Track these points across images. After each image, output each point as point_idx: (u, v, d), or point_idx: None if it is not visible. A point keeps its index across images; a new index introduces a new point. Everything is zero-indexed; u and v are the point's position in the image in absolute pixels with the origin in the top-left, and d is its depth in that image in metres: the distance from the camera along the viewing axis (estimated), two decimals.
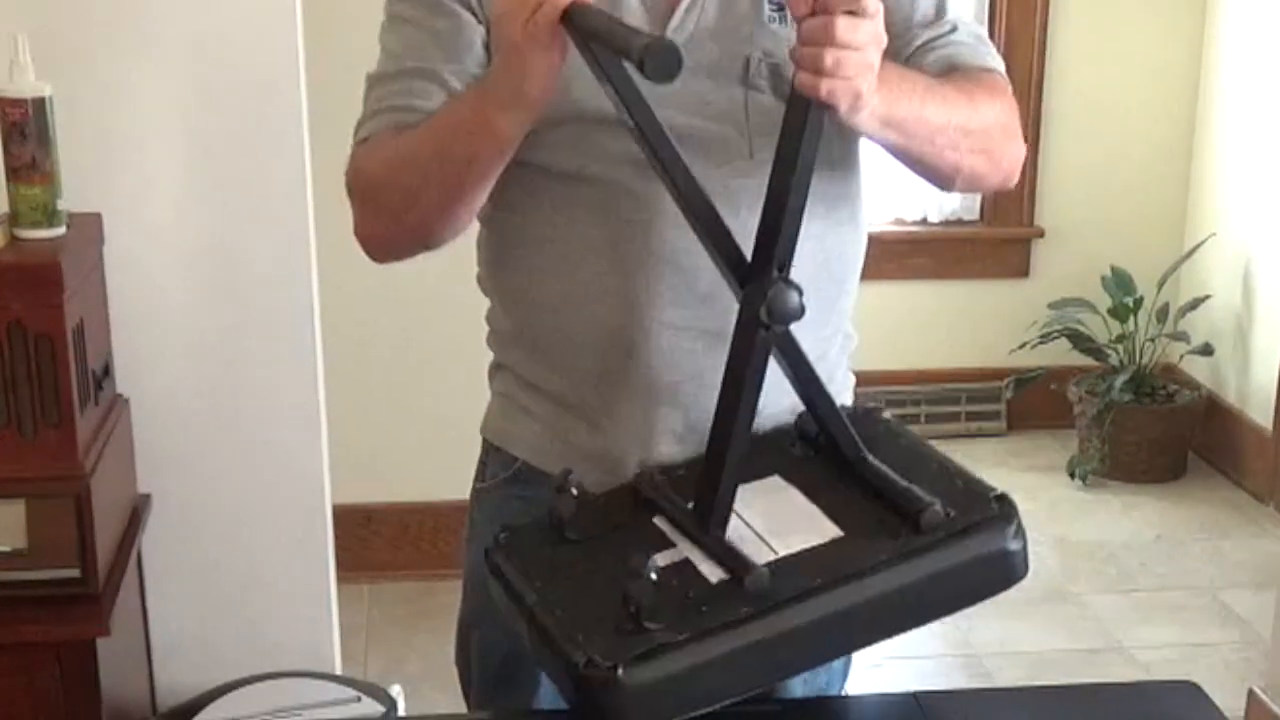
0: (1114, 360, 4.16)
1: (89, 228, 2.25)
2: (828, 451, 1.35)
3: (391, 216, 1.45)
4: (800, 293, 1.25)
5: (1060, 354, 4.23)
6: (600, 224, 1.41)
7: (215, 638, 2.50)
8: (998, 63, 1.49)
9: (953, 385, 4.41)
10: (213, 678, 2.44)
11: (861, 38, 1.22)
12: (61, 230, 2.13)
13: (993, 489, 1.29)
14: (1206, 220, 4.28)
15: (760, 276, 1.26)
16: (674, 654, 1.17)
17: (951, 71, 1.42)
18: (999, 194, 4.19)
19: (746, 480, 1.32)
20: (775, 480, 1.35)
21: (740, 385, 1.27)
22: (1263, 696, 2.80)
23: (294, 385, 2.45)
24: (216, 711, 2.38)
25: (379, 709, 2.41)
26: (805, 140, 1.25)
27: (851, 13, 1.21)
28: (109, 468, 2.19)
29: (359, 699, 2.43)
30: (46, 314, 2.03)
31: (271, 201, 2.37)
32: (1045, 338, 4.18)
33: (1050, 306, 4.23)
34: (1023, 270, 4.40)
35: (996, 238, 4.28)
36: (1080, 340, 4.15)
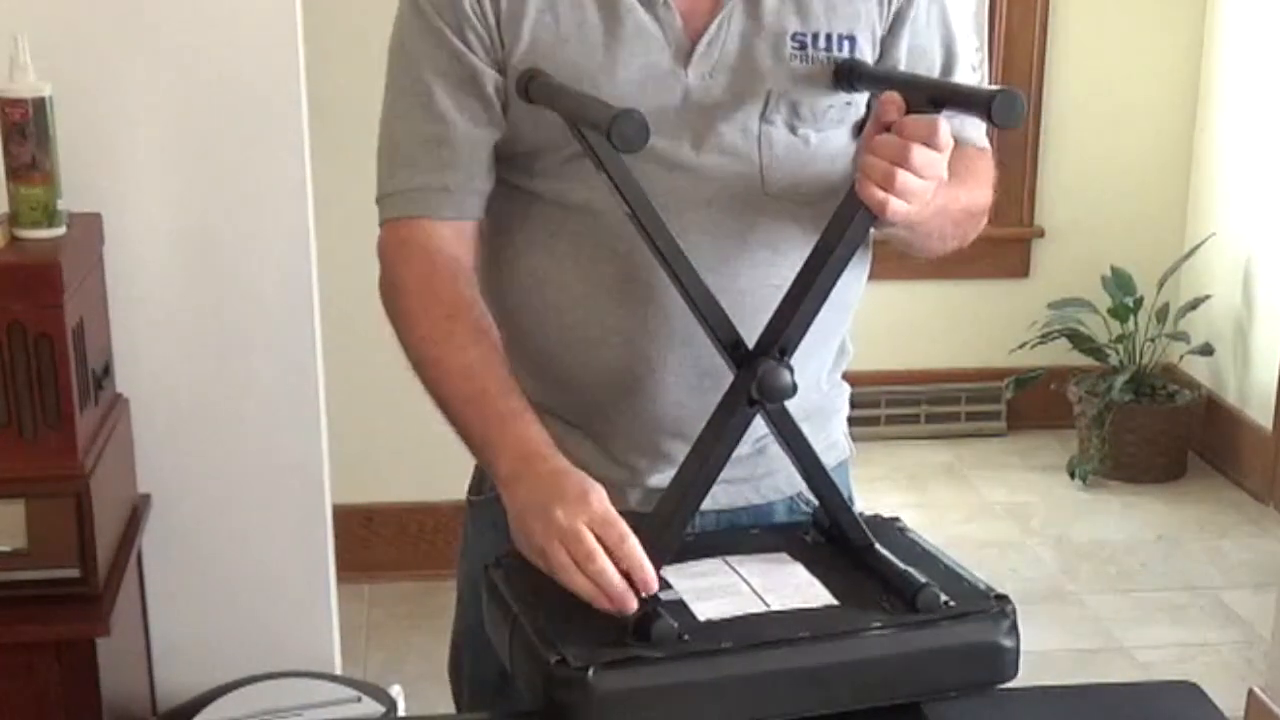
0: (1114, 360, 4.16)
1: (89, 228, 2.25)
2: (839, 541, 1.38)
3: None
4: (792, 371, 1.30)
5: (1060, 354, 4.23)
6: (606, 260, 1.40)
7: (215, 638, 2.50)
8: (984, 135, 1.55)
9: (953, 385, 4.41)
10: (213, 678, 2.44)
11: (931, 171, 1.27)
12: (61, 230, 2.13)
13: (994, 590, 1.31)
14: (1206, 220, 4.28)
15: (761, 356, 1.31)
16: (649, 668, 1.18)
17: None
18: (999, 194, 4.20)
19: (752, 553, 1.36)
20: (782, 555, 1.37)
21: (709, 451, 1.31)
22: (1263, 696, 2.80)
23: (294, 385, 2.45)
24: (216, 711, 2.38)
25: (379, 709, 2.41)
26: (842, 245, 1.30)
27: (925, 144, 1.26)
28: (109, 468, 2.19)
29: (359, 699, 2.43)
30: (46, 314, 2.03)
31: (272, 202, 2.37)
32: (1045, 338, 4.18)
33: (1050, 306, 4.23)
34: (1023, 270, 4.40)
35: (996, 238, 4.27)
36: (1080, 340, 4.16)
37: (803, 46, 1.39)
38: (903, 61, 1.45)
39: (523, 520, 1.25)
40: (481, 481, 1.57)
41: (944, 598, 1.27)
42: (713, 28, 1.38)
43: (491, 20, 1.38)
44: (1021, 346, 4.22)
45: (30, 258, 2.07)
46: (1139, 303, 4.13)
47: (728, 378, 1.33)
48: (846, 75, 1.39)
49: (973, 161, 1.49)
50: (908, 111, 1.28)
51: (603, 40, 1.37)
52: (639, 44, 1.37)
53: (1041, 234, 4.37)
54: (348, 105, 2.37)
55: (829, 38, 1.40)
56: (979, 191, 1.50)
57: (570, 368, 1.44)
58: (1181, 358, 4.31)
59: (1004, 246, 4.33)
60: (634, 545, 1.20)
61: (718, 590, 1.29)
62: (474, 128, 1.40)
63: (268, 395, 2.44)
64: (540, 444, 1.31)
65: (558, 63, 1.37)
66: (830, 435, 1.55)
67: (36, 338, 2.03)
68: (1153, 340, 4.14)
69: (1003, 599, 1.29)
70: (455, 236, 1.42)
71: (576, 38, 1.37)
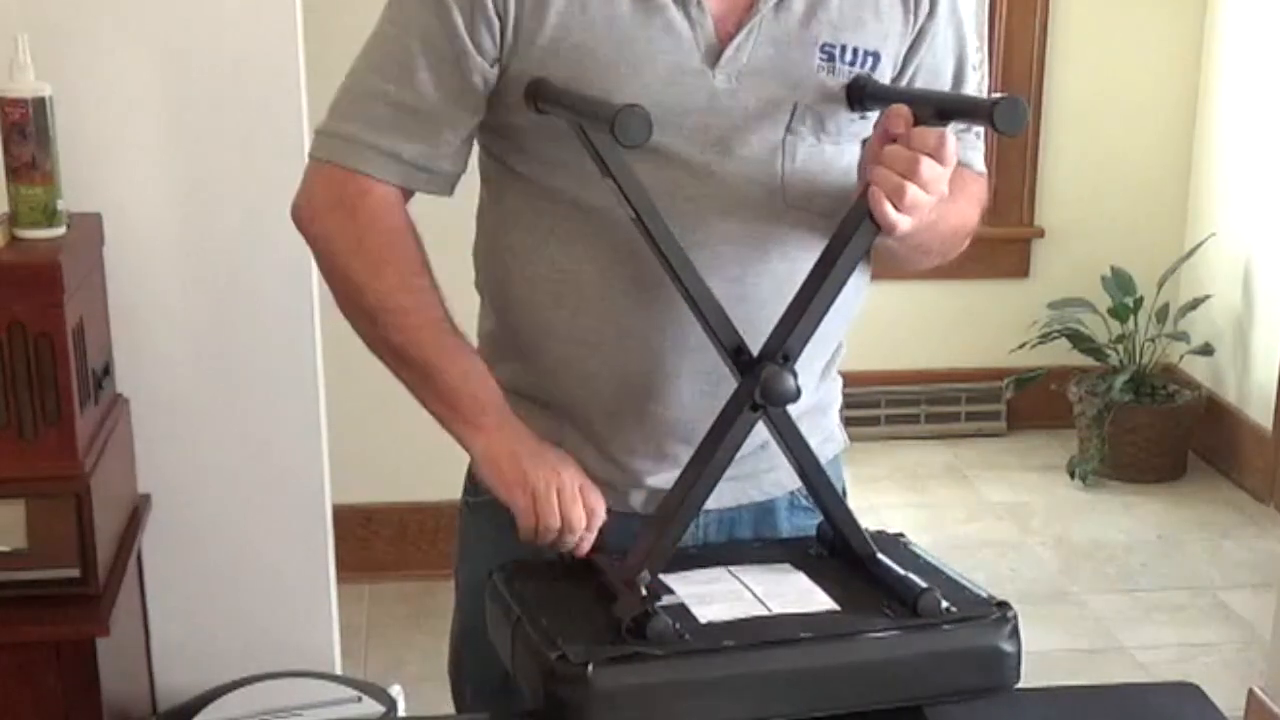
0: (1114, 360, 4.16)
1: (89, 228, 2.25)
2: (842, 553, 1.39)
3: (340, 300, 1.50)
4: (796, 376, 1.31)
5: (1060, 354, 4.23)
6: (623, 262, 1.38)
7: (215, 638, 2.50)
8: (982, 160, 1.56)
9: (953, 385, 4.41)
10: (213, 678, 2.44)
11: (935, 187, 1.28)
12: (61, 230, 2.13)
13: (996, 599, 1.32)
14: (1206, 220, 4.28)
15: (764, 361, 1.31)
16: (648, 665, 1.18)
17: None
18: (999, 194, 4.21)
19: (757, 563, 1.37)
20: (785, 566, 1.38)
21: (711, 455, 1.32)
22: (1263, 696, 2.80)
23: (294, 385, 2.45)
24: (216, 711, 2.38)
25: (379, 709, 2.41)
26: (846, 255, 1.31)
27: (933, 156, 1.27)
28: (109, 468, 2.19)
29: (359, 699, 2.43)
30: (46, 314, 2.03)
31: (271, 201, 2.37)
32: (1045, 338, 4.18)
33: (1050, 306, 4.23)
34: (1023, 270, 4.40)
35: (996, 238, 4.28)
36: (1080, 340, 4.16)
37: (830, 59, 1.39)
38: (917, 78, 1.45)
39: (493, 463, 1.41)
40: (477, 482, 1.55)
41: (945, 604, 1.27)
42: (743, 32, 1.37)
43: (512, 8, 1.35)
44: (1021, 346, 4.22)
45: (30, 258, 2.07)
46: (1139, 303, 4.13)
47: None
48: (858, 94, 1.40)
49: (967, 183, 1.49)
50: (915, 124, 1.28)
51: (631, 34, 1.35)
52: (668, 41, 1.36)
53: (1041, 234, 4.37)
54: None
55: (855, 52, 1.40)
56: (969, 211, 1.50)
57: (582, 369, 1.42)
58: (1181, 358, 4.32)
59: (1004, 246, 4.33)
60: (578, 513, 1.37)
61: (720, 595, 1.30)
62: (448, 106, 1.38)
63: (268, 396, 2.44)
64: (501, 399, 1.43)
65: (583, 52, 1.35)
66: (826, 428, 1.55)
67: (36, 337, 2.03)
68: (1153, 340, 4.14)
69: (1004, 606, 1.30)
70: (392, 201, 1.42)
71: (605, 28, 1.35)
